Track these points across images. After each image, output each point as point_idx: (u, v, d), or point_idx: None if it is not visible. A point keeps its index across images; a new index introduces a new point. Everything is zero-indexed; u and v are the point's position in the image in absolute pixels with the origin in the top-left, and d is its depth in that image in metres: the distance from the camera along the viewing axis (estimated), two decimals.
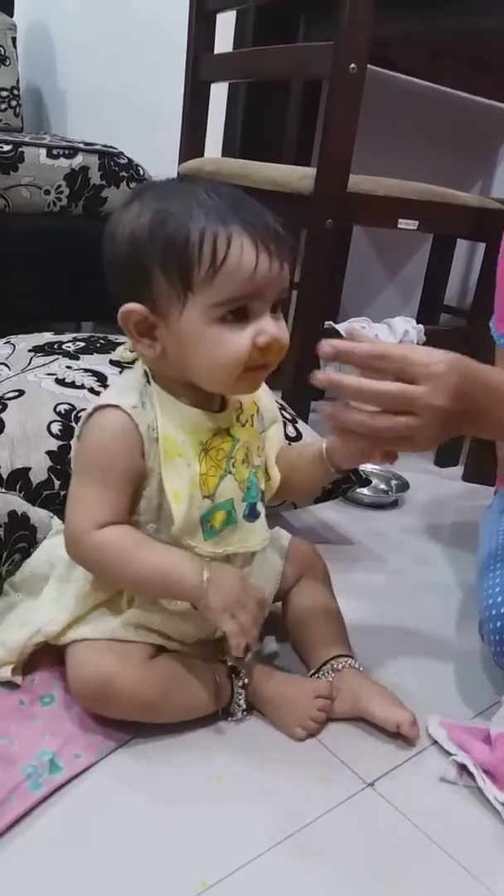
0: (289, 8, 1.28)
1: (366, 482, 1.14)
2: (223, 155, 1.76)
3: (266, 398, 0.83)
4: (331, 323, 1.29)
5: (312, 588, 0.89)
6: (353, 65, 1.10)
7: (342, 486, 1.14)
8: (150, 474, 0.71)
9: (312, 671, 0.82)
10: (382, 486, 1.39)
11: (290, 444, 1.07)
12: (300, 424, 1.14)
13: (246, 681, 0.77)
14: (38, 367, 1.12)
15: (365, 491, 1.36)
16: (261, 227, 0.65)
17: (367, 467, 1.41)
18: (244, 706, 0.77)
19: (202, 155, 1.52)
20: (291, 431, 1.11)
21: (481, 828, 0.68)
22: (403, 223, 1.23)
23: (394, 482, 1.39)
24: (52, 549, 0.84)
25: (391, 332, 1.32)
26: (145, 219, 0.65)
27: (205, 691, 0.75)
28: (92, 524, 0.70)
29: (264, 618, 0.71)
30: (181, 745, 0.73)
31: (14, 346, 1.23)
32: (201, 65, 1.44)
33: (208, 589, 0.68)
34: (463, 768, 0.73)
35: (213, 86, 1.50)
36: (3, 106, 2.18)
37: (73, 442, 0.75)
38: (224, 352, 0.66)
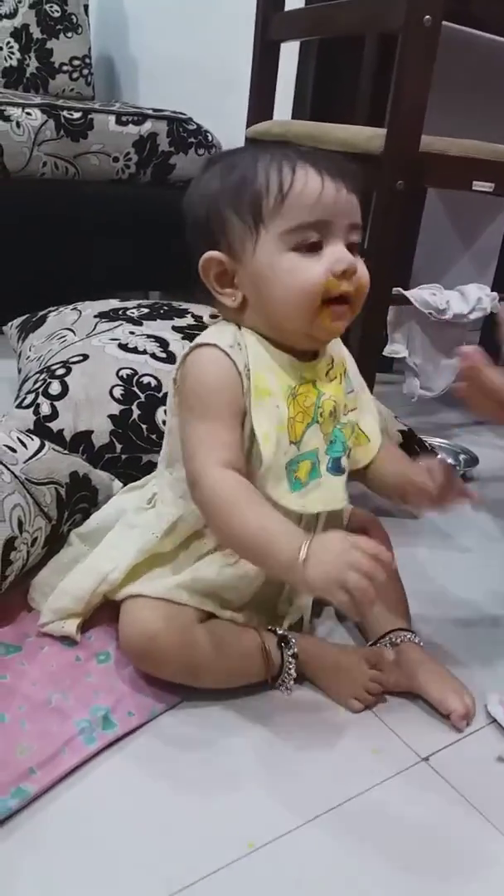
0: None
1: (433, 453, 1.11)
2: (294, 117, 1.72)
3: (354, 367, 0.82)
4: (399, 289, 1.25)
5: None
6: (427, 16, 1.05)
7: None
8: (247, 414, 0.70)
9: (371, 643, 0.81)
10: (450, 461, 1.35)
11: None
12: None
13: (296, 650, 0.76)
14: (103, 332, 1.13)
15: None
16: (323, 159, 0.69)
17: (435, 440, 1.37)
18: (294, 676, 0.76)
19: (271, 117, 1.49)
20: None
21: None
22: (478, 185, 1.18)
23: (462, 456, 1.35)
24: (121, 502, 0.86)
25: (463, 299, 1.28)
26: (215, 174, 0.70)
27: (253, 659, 0.75)
28: (214, 461, 0.68)
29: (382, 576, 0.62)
30: (231, 710, 0.73)
31: (80, 312, 1.24)
32: (271, 24, 1.40)
33: (308, 562, 0.61)
34: None
35: (284, 46, 1.46)
36: (76, 74, 2.17)
37: (170, 387, 0.75)
38: (301, 279, 0.67)
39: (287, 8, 1.42)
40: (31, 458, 0.83)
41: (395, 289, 1.24)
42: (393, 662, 0.77)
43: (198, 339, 0.73)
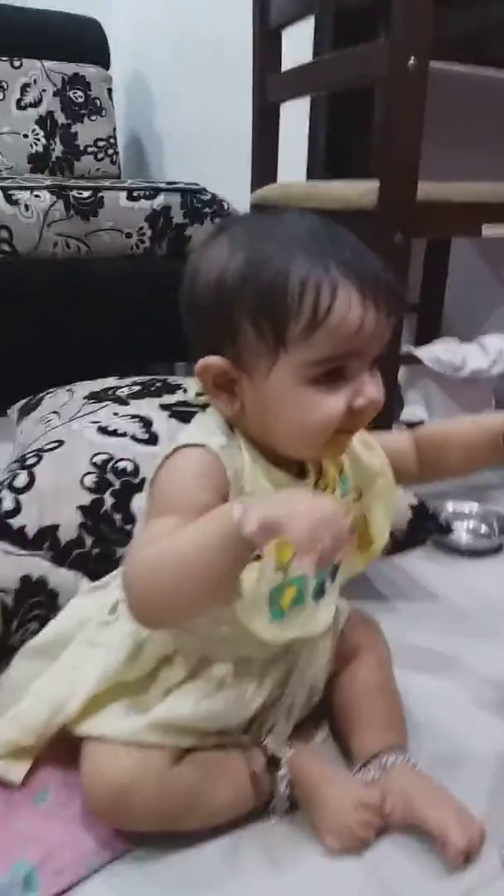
0: (366, 14, 1.17)
1: (446, 530, 0.98)
2: (308, 175, 1.67)
3: (361, 454, 0.70)
4: (409, 347, 1.15)
5: (366, 671, 0.75)
6: (412, 60, 0.97)
7: (419, 535, 0.98)
8: None
9: (356, 767, 0.68)
10: (484, 529, 1.20)
11: None
12: None
13: (289, 775, 0.65)
14: (86, 414, 1.06)
15: (462, 534, 1.19)
16: (369, 277, 0.56)
17: (464, 504, 1.23)
18: (288, 802, 0.65)
19: (275, 180, 1.43)
20: None
21: None
22: (489, 230, 1.07)
23: (497, 524, 1.20)
24: (81, 608, 0.76)
25: (483, 353, 1.16)
26: (237, 262, 0.56)
27: (240, 790, 0.64)
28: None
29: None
30: (194, 859, 0.62)
31: (73, 394, 1.19)
32: (267, 86, 1.36)
33: (249, 505, 0.49)
34: None
35: (296, 105, 1.42)
36: (101, 155, 2.21)
37: (144, 491, 0.64)
38: (316, 416, 0.57)
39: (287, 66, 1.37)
40: None
41: (403, 347, 1.13)
42: (383, 790, 0.64)
43: (182, 437, 0.62)
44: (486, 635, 0.94)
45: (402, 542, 0.98)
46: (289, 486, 0.62)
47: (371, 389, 0.58)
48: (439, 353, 1.11)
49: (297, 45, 1.43)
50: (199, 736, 0.65)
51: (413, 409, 1.18)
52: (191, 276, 0.60)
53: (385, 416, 1.13)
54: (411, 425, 1.31)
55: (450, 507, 1.22)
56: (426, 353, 1.11)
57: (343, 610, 0.78)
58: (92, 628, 0.72)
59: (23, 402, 1.35)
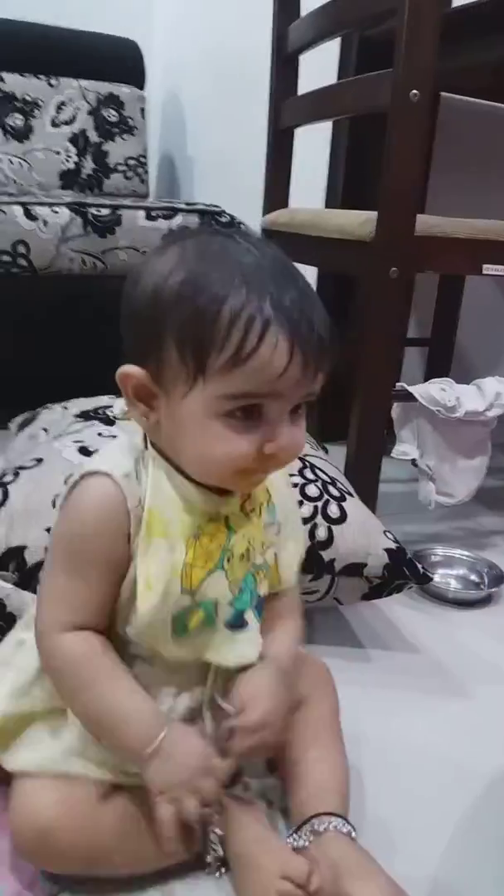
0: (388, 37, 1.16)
1: (425, 579, 0.94)
2: (326, 202, 1.66)
3: (283, 488, 0.70)
4: (403, 385, 1.12)
5: (311, 721, 0.71)
6: (414, 91, 0.95)
7: (395, 581, 0.94)
8: (132, 560, 0.59)
9: (291, 829, 0.65)
10: (473, 577, 1.17)
11: (328, 526, 0.92)
12: (349, 503, 0.97)
13: (219, 831, 0.63)
14: (71, 433, 1.06)
15: (451, 582, 1.15)
16: (304, 327, 0.53)
17: (455, 551, 1.20)
18: (221, 859, 0.63)
19: (286, 205, 1.42)
20: (335, 511, 0.95)
21: None
22: (490, 269, 1.04)
23: (488, 572, 1.16)
24: (16, 630, 0.74)
25: (480, 394, 1.13)
26: (177, 278, 0.55)
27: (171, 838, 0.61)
28: (56, 626, 0.60)
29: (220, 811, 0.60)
30: None
31: (66, 410, 1.19)
32: (282, 111, 1.35)
33: (154, 759, 0.57)
34: None
35: (316, 132, 1.41)
36: (130, 174, 2.23)
37: (55, 511, 0.65)
38: (220, 452, 0.55)
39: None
40: None
41: (398, 384, 1.10)
42: (311, 859, 0.61)
43: (90, 464, 0.61)
44: (461, 696, 0.90)
45: (376, 588, 0.94)
46: (201, 502, 0.61)
47: (285, 437, 0.55)
48: (434, 391, 1.07)
49: (321, 70, 1.42)
50: (125, 773, 0.62)
51: (404, 448, 1.15)
52: (132, 282, 0.58)
53: (376, 452, 1.12)
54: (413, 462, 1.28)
55: (439, 551, 1.19)
56: (421, 390, 1.08)
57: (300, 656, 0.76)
58: (9, 647, 0.70)
59: (23, 416, 1.36)
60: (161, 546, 0.59)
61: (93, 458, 0.63)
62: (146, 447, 0.61)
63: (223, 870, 0.63)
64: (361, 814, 0.68)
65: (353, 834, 0.63)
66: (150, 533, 0.58)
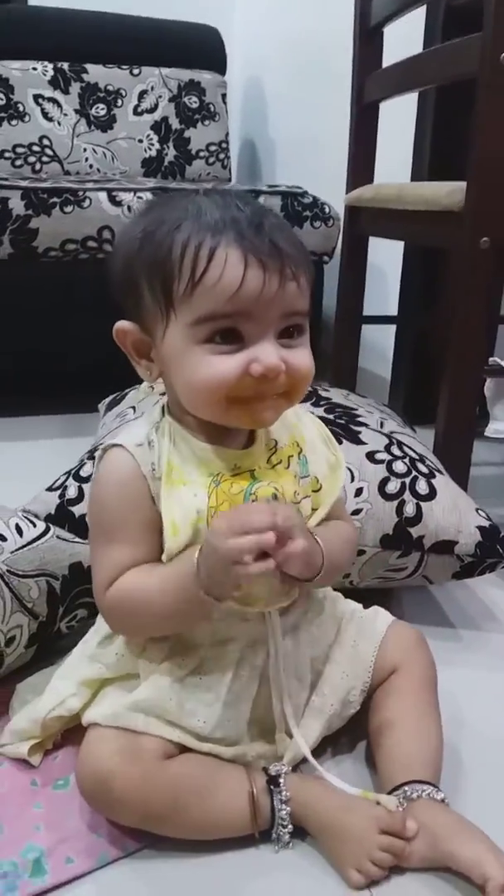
0: (476, 7, 1.13)
1: None
2: (413, 178, 1.62)
3: (319, 445, 0.69)
4: (497, 359, 1.08)
5: (405, 687, 0.71)
6: None
7: (488, 559, 0.92)
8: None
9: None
10: None
11: (417, 503, 0.90)
12: (439, 479, 0.95)
13: (288, 794, 0.62)
14: None
15: None
16: (254, 239, 0.56)
17: None
18: (290, 829, 0.62)
19: (372, 180, 1.40)
20: (423, 488, 0.93)
21: None
22: None
23: None
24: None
25: None
26: (139, 227, 0.61)
27: (236, 808, 0.62)
28: (105, 586, 0.63)
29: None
30: (203, 868, 0.61)
31: (151, 389, 1.20)
32: (366, 86, 1.33)
33: (200, 564, 0.58)
34: None
35: (403, 107, 1.38)
36: (212, 159, 2.25)
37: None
38: (204, 375, 0.57)
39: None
40: (21, 547, 0.78)
41: (491, 359, 1.07)
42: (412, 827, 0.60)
43: (109, 438, 0.66)
44: None
45: (468, 567, 0.92)
46: (217, 458, 0.62)
47: (270, 355, 0.56)
48: None
49: (406, 42, 1.39)
50: (193, 730, 0.64)
51: (499, 425, 1.11)
52: (113, 251, 0.65)
53: (469, 429, 1.08)
54: None
55: None
56: None
57: (384, 617, 0.76)
58: (92, 646, 0.71)
59: (111, 397, 1.39)
60: (183, 493, 0.61)
61: (113, 432, 0.66)
62: (163, 415, 0.65)
63: (291, 841, 0.63)
64: (455, 790, 0.67)
65: (447, 801, 0.63)
66: (171, 482, 0.61)
